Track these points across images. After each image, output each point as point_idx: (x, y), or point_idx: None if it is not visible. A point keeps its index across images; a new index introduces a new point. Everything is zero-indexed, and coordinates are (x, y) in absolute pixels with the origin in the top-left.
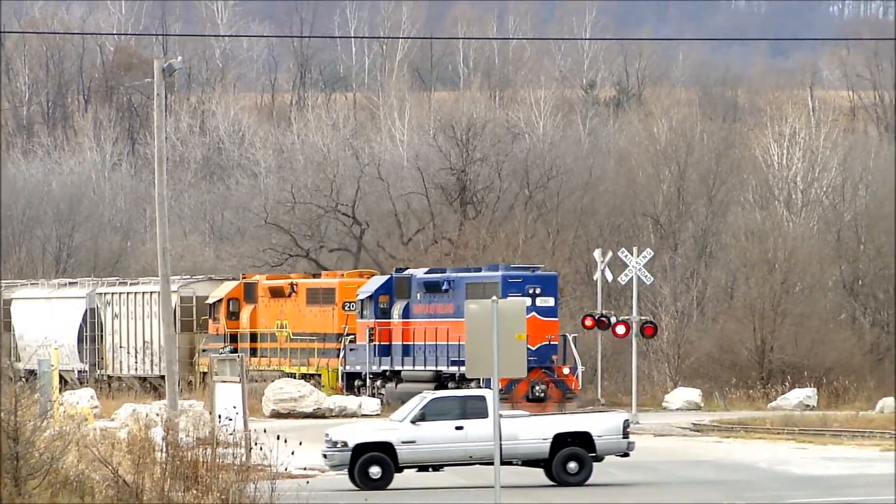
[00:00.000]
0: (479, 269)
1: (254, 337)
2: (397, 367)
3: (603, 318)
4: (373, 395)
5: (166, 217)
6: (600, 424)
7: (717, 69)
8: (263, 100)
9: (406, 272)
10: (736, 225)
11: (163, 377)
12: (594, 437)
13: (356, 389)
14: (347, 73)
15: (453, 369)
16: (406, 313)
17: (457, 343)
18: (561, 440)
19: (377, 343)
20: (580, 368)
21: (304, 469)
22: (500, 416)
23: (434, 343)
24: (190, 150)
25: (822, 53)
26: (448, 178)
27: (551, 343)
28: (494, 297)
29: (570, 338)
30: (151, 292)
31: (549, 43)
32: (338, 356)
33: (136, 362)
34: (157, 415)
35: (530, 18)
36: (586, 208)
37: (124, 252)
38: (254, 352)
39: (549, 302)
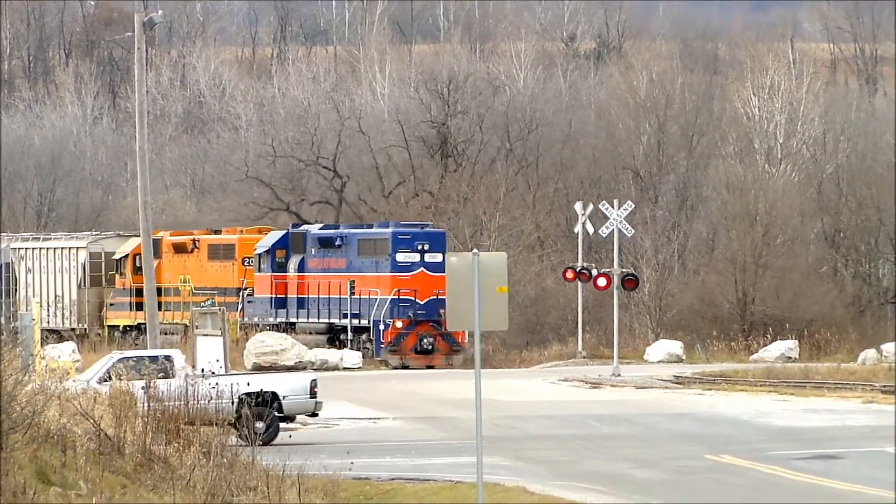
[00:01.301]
0: (370, 226)
1: (158, 291)
2: (292, 319)
3: (584, 271)
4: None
5: (147, 171)
6: (287, 384)
7: (697, 23)
8: (244, 53)
9: (302, 227)
10: (717, 177)
11: (73, 329)
12: (281, 397)
13: None
14: (328, 27)
15: (345, 322)
16: (301, 267)
17: (348, 297)
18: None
19: (273, 296)
20: None
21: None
22: (188, 376)
23: (327, 296)
24: (171, 104)
25: (802, 7)
26: (429, 131)
27: (440, 297)
28: (475, 250)
29: None
30: (62, 248)
31: None
32: (237, 309)
33: (48, 315)
34: None
35: None
36: (567, 161)
37: (106, 206)
38: (158, 305)
39: (438, 258)
